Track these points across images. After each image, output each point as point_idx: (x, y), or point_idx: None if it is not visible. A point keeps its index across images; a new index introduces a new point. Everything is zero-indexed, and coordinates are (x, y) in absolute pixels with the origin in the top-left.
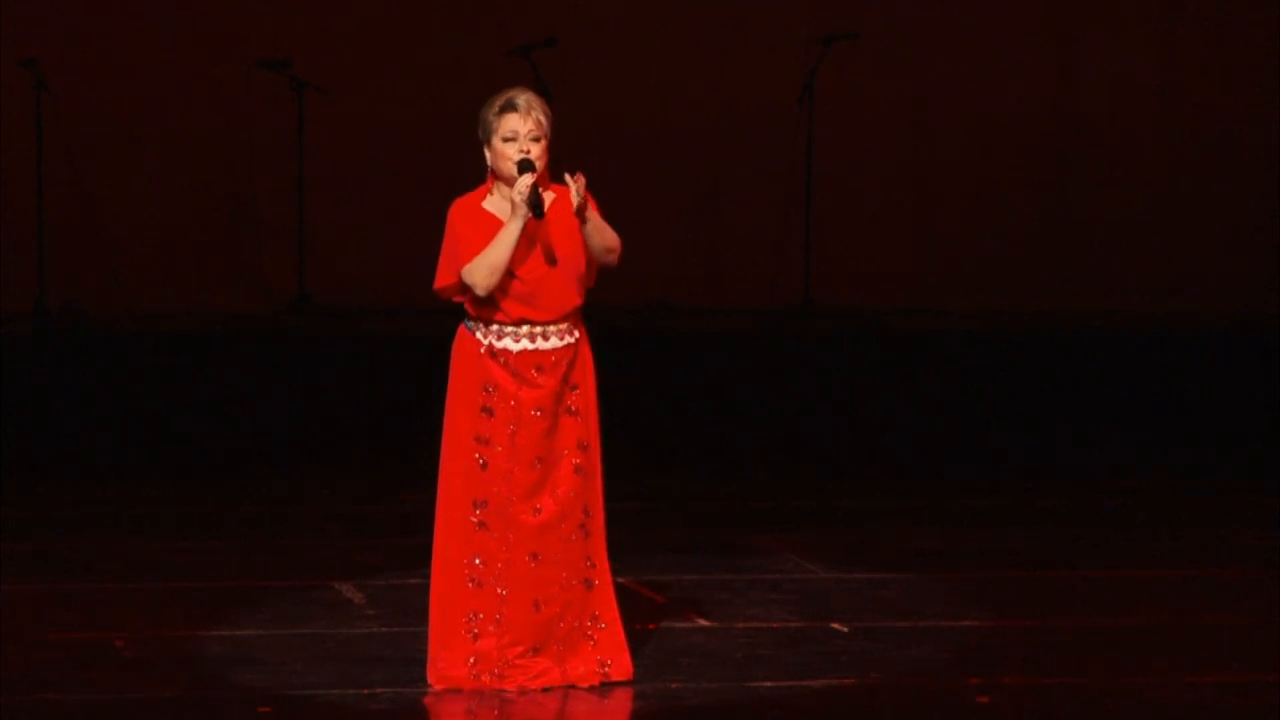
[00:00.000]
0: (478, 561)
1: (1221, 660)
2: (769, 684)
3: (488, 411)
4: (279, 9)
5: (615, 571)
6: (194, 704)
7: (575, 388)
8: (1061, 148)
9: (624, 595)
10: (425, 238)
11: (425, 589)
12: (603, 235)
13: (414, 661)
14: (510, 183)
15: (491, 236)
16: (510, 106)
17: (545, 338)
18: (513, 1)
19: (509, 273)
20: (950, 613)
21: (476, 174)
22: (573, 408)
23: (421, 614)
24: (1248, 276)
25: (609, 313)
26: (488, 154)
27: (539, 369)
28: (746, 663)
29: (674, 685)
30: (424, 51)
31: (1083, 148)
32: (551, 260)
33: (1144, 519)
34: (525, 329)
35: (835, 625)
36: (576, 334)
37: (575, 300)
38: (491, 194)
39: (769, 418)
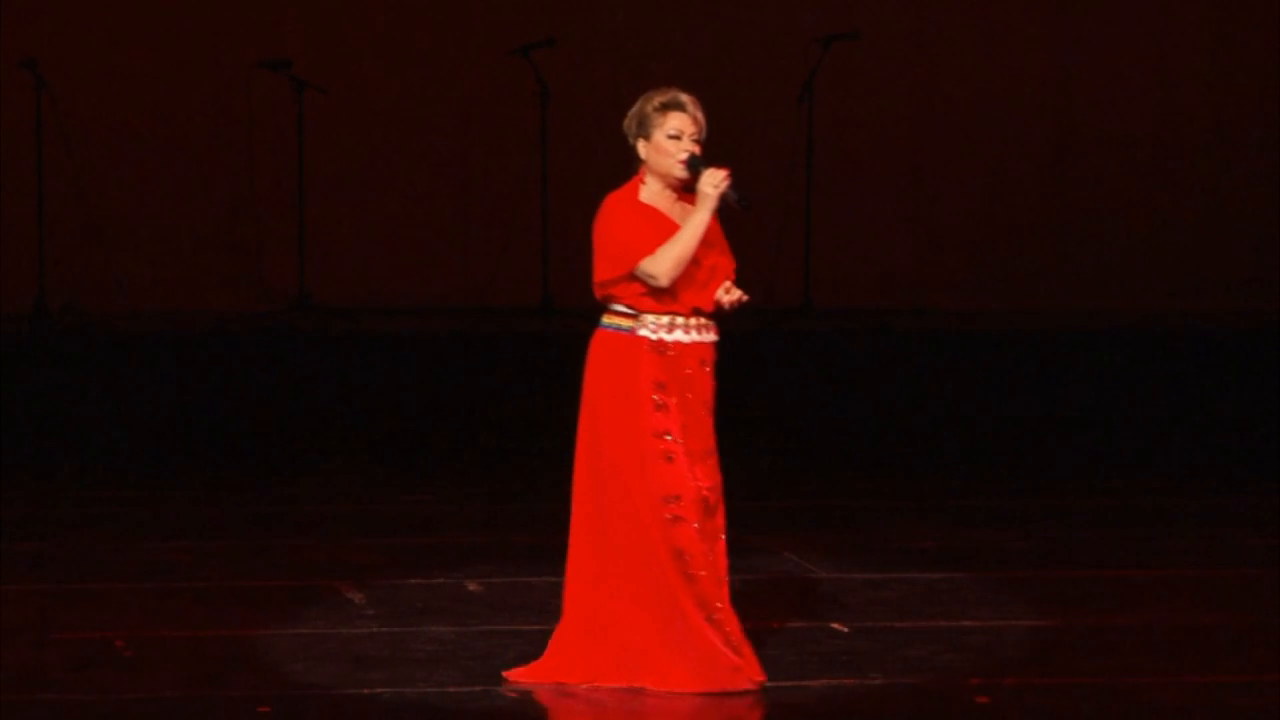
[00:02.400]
0: (684, 556)
1: (1221, 660)
2: (769, 684)
3: (662, 407)
4: (279, 9)
5: None
6: (194, 704)
7: (714, 382)
8: (1061, 148)
9: None
10: (425, 238)
11: (559, 594)
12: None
13: (414, 662)
14: (668, 178)
15: (656, 229)
16: (676, 105)
17: (707, 330)
18: (513, 2)
19: (695, 261)
20: (950, 613)
21: (475, 173)
22: (713, 402)
23: (422, 615)
24: (1248, 276)
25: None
26: (642, 148)
27: (702, 362)
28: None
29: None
30: (424, 52)
31: (1082, 148)
32: (719, 254)
33: (1144, 519)
34: (695, 320)
35: (835, 625)
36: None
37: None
38: (643, 188)
39: (768, 417)
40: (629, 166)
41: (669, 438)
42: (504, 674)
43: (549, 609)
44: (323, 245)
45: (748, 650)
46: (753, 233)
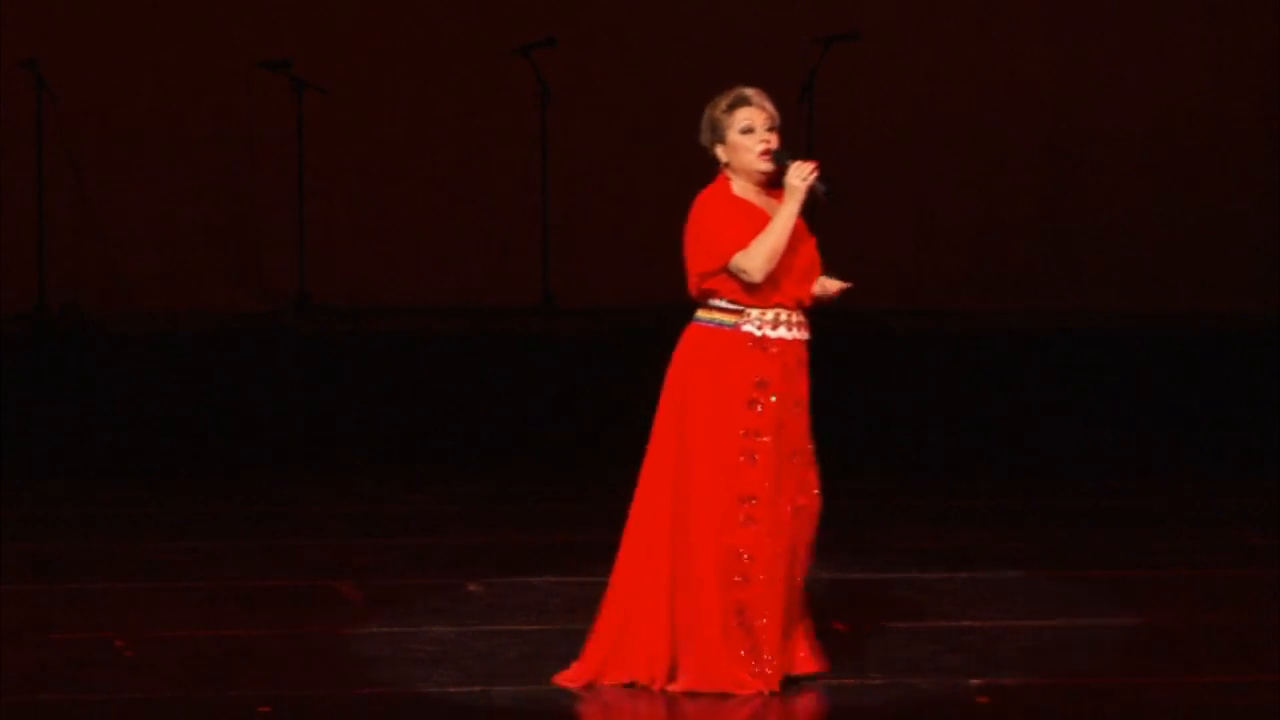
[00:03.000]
0: (745, 557)
1: (1221, 660)
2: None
3: (756, 405)
4: (279, 9)
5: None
6: (194, 704)
7: (808, 380)
8: (1061, 148)
9: None
10: (425, 238)
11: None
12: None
13: (414, 662)
14: (752, 174)
15: (750, 223)
16: (742, 100)
17: (804, 328)
18: (513, 2)
19: (793, 252)
20: (950, 613)
21: (475, 173)
22: (808, 402)
23: (421, 615)
24: (1248, 276)
25: (607, 313)
26: (721, 151)
27: (799, 360)
28: None
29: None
30: (424, 51)
31: (1082, 148)
32: (811, 247)
33: (1144, 518)
34: (795, 315)
35: (836, 625)
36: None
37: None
38: (733, 186)
39: None
40: (627, 166)
41: (758, 437)
42: (553, 679)
43: (549, 609)
44: (323, 245)
45: (778, 655)
46: None
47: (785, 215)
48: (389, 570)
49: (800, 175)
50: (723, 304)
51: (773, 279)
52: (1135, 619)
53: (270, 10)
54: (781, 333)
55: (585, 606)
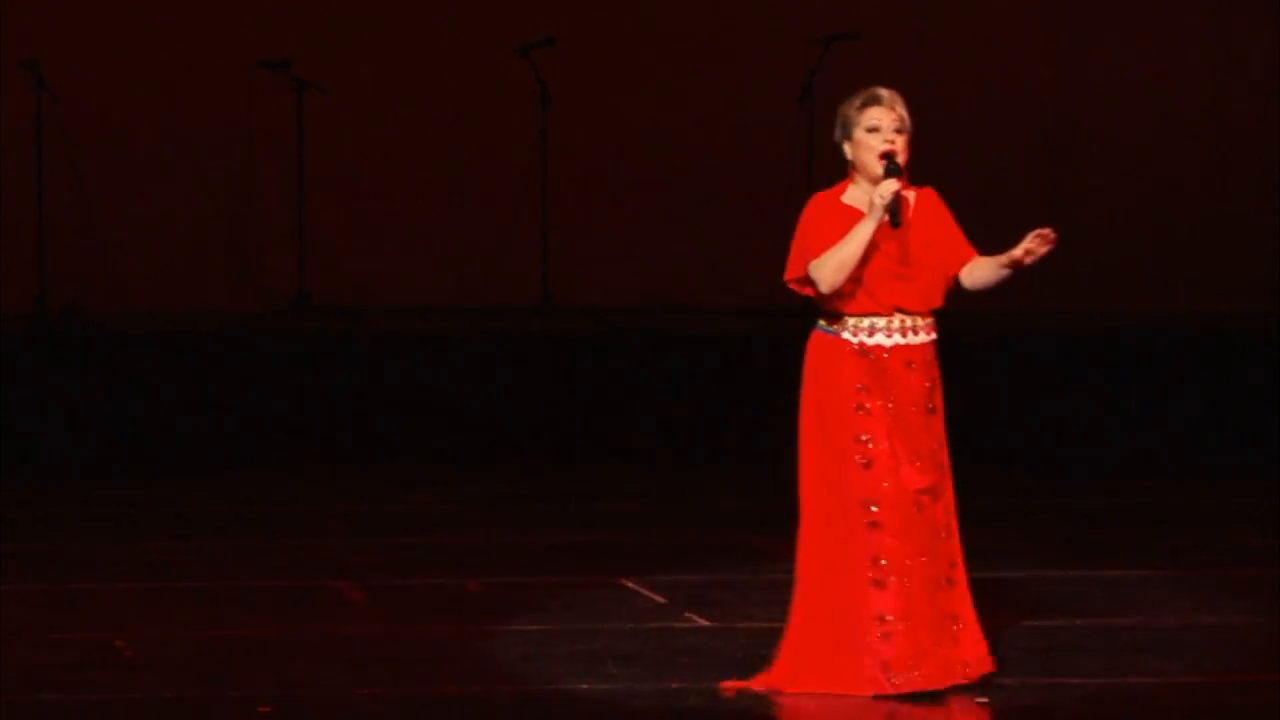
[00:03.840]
0: (879, 561)
1: (1221, 660)
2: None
3: (864, 410)
4: (279, 9)
5: (616, 570)
6: (194, 704)
7: (934, 386)
8: (1061, 148)
9: (625, 595)
10: (425, 237)
11: (789, 598)
12: (989, 282)
13: (414, 662)
14: (870, 174)
15: (847, 229)
16: (874, 100)
17: (915, 332)
18: (513, 2)
19: (879, 249)
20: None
21: (476, 172)
22: (934, 406)
23: (422, 615)
24: (1248, 276)
25: (607, 313)
26: (847, 148)
27: (909, 364)
28: (746, 663)
29: (674, 685)
30: (424, 51)
31: (1083, 148)
32: (923, 249)
33: (1144, 519)
34: (897, 321)
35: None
36: (935, 333)
37: (940, 299)
38: (851, 188)
39: (769, 417)
40: (628, 166)
41: (869, 442)
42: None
43: (549, 609)
44: (323, 245)
45: (924, 659)
46: (752, 233)
47: (860, 230)
48: (389, 570)
49: (882, 194)
50: (827, 310)
51: (861, 284)
52: (1135, 619)
53: (270, 10)
54: (879, 339)
55: (585, 607)
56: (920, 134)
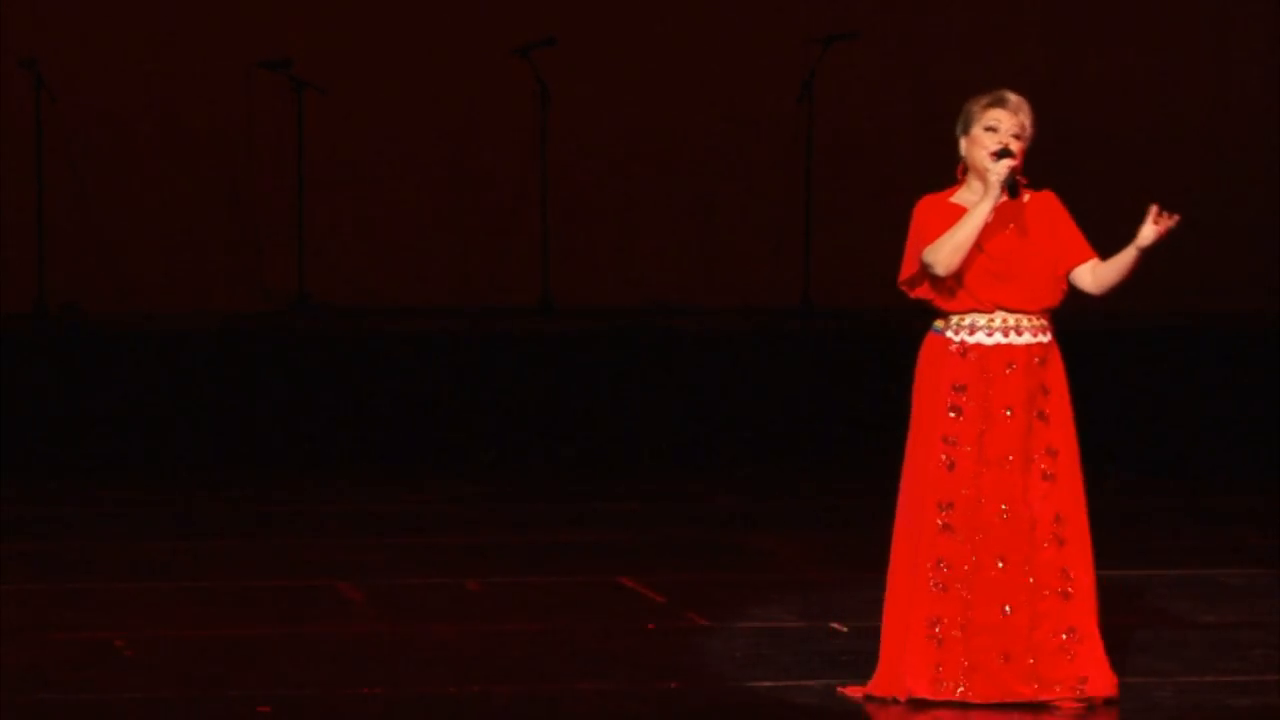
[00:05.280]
0: (942, 565)
1: (1221, 660)
2: (768, 684)
3: (956, 411)
4: (279, 9)
5: (616, 570)
6: (193, 704)
7: (1048, 392)
8: (1059, 147)
9: (624, 595)
10: (425, 238)
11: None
12: (1119, 274)
13: (414, 662)
14: (982, 172)
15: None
16: (1000, 101)
17: (1019, 332)
18: (513, 2)
19: (979, 248)
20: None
21: (475, 173)
22: (1044, 412)
23: (422, 614)
24: (1248, 276)
25: (607, 313)
26: (963, 144)
27: (1011, 366)
28: (746, 662)
29: (674, 685)
30: (424, 51)
31: (1081, 147)
32: (1028, 247)
33: (1144, 519)
34: (999, 320)
35: (835, 625)
36: (1049, 335)
37: (1051, 299)
38: (962, 189)
39: (769, 417)
40: (628, 166)
41: (954, 444)
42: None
43: (548, 609)
44: (323, 245)
45: (986, 670)
46: (752, 233)
47: (978, 211)
48: (389, 570)
49: (998, 171)
50: (935, 310)
51: (961, 283)
52: (1135, 619)
53: (270, 10)
54: (980, 338)
55: (584, 606)
56: (920, 134)
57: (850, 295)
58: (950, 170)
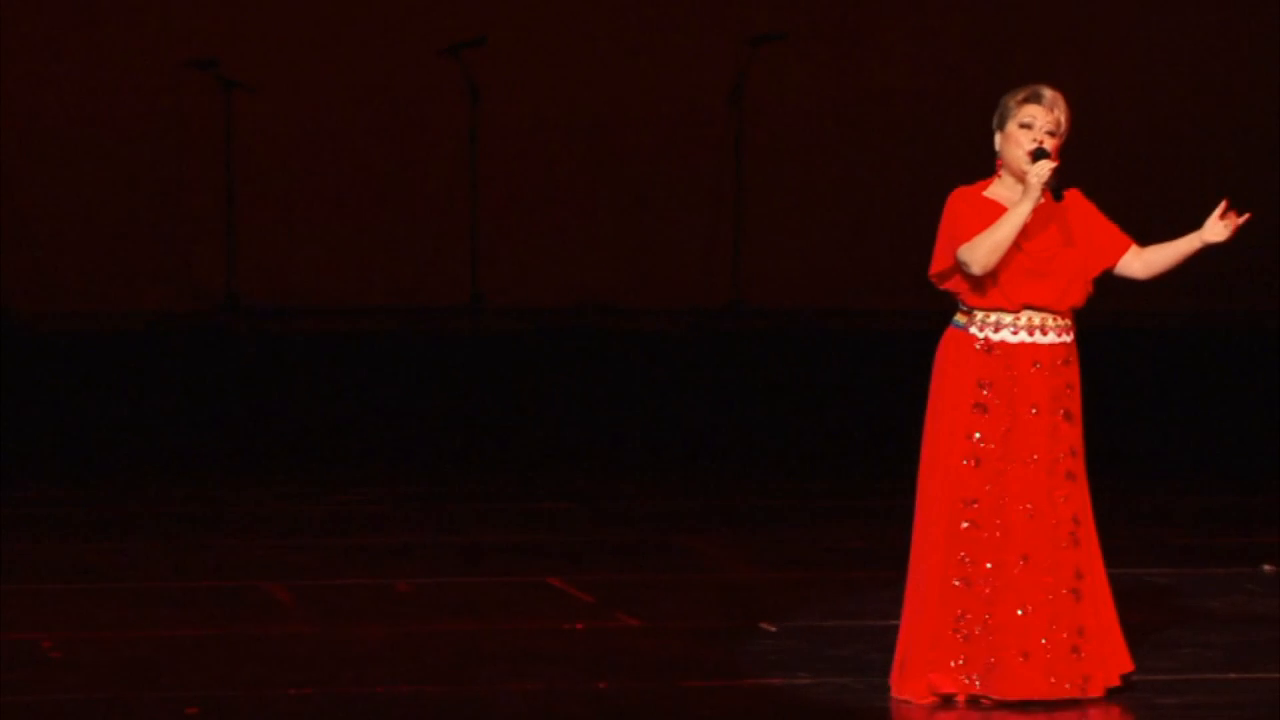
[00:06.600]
0: (965, 560)
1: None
2: (698, 683)
3: (981, 408)
4: (205, 8)
5: (545, 570)
6: (122, 705)
7: (1070, 389)
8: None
9: (554, 595)
10: (354, 237)
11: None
12: (1174, 262)
13: (343, 663)
14: (1017, 169)
15: (992, 221)
16: (1036, 97)
17: (1044, 331)
18: (442, 1)
19: (1017, 246)
20: (879, 612)
21: (405, 172)
22: (1068, 411)
23: (351, 615)
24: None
25: (537, 313)
26: (998, 139)
27: (1036, 364)
28: (676, 662)
29: (603, 685)
30: (353, 51)
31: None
32: (1065, 246)
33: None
34: (1025, 319)
35: (764, 625)
36: (1072, 335)
37: (1078, 298)
38: (995, 183)
39: (698, 417)
40: (558, 166)
41: (981, 441)
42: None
43: (478, 609)
44: (251, 245)
45: (1008, 668)
46: (683, 233)
47: (1017, 211)
48: (318, 571)
49: (1038, 173)
50: (960, 306)
51: (994, 279)
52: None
53: (197, 9)
54: (1005, 336)
55: (514, 607)
56: (852, 134)
57: (781, 294)
58: (882, 171)
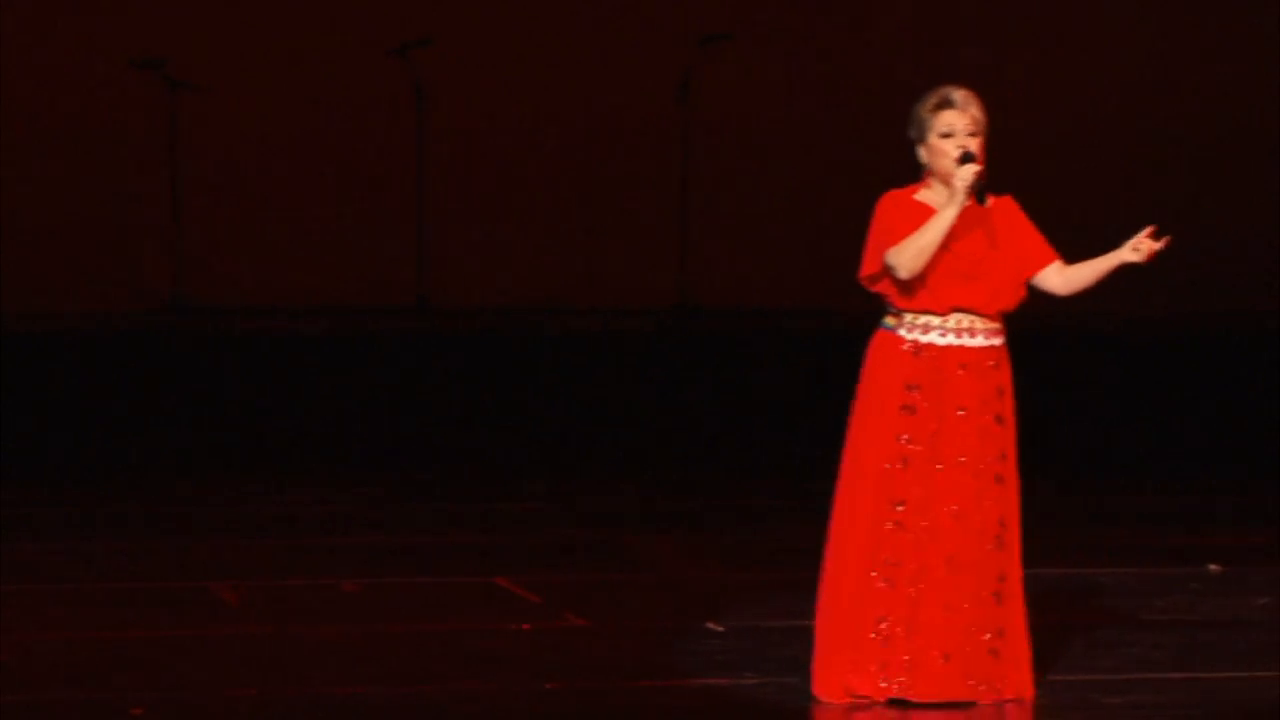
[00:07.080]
0: (890, 563)
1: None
2: (645, 683)
3: (909, 409)
4: (151, 8)
5: (492, 570)
6: (65, 707)
7: (1001, 393)
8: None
9: (501, 595)
10: (301, 238)
11: (815, 593)
12: (1093, 280)
13: (290, 663)
14: (947, 179)
15: (921, 225)
16: (947, 103)
17: (973, 334)
18: (390, 1)
19: (946, 248)
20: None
21: (352, 172)
22: (1000, 415)
23: (297, 616)
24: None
25: (487, 315)
26: (922, 152)
27: (964, 366)
28: (623, 662)
29: (549, 686)
30: (300, 51)
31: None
32: (991, 249)
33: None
34: (954, 321)
35: (711, 625)
36: (1002, 339)
37: (1009, 303)
38: (925, 190)
39: (645, 417)
40: (506, 166)
41: (909, 442)
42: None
43: (424, 610)
44: (197, 246)
45: (930, 668)
46: (631, 233)
47: (943, 216)
48: (264, 572)
49: (963, 177)
50: (889, 308)
51: (922, 281)
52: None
53: (143, 9)
54: (933, 338)
55: (461, 607)
56: (800, 133)
57: (728, 295)
58: (827, 169)
